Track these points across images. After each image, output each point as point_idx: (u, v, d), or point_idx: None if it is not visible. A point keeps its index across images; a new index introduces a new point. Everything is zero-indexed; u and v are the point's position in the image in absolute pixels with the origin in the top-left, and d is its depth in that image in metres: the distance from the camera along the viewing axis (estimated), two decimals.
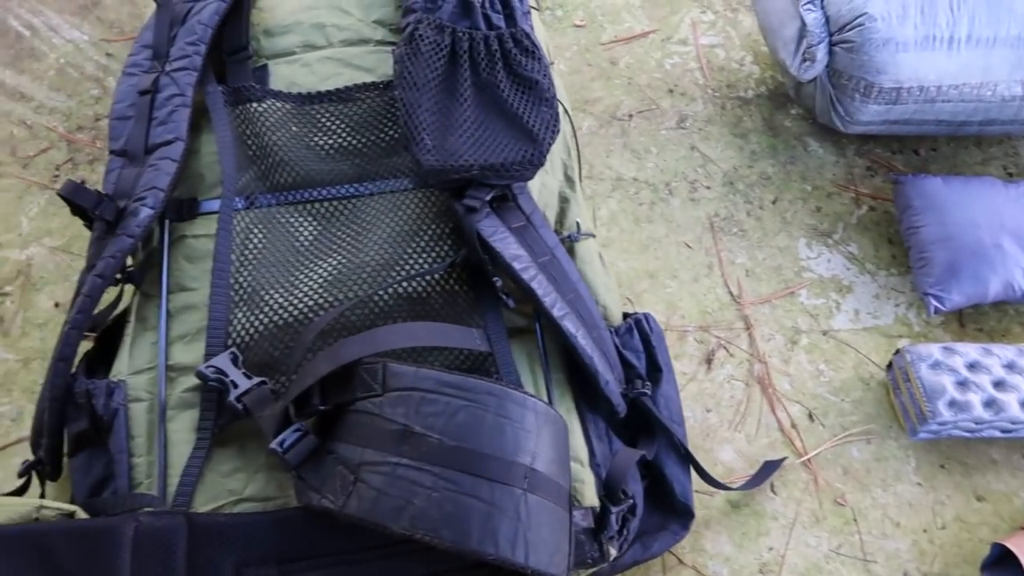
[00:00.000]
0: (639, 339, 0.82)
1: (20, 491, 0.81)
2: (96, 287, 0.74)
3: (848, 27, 0.94)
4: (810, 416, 0.91)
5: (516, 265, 0.75)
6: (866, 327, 0.97)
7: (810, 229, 1.04)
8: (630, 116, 1.14)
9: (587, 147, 1.10)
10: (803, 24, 0.97)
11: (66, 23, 1.24)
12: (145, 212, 0.77)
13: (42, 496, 0.79)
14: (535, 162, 0.78)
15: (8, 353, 0.93)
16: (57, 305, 0.97)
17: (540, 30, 1.00)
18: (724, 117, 1.14)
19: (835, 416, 0.91)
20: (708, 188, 1.07)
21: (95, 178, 1.08)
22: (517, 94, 0.83)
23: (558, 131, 0.81)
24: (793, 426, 0.90)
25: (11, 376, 0.92)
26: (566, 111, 0.97)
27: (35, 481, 0.80)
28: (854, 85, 0.97)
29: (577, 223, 0.88)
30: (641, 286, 0.99)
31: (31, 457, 0.79)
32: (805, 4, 0.97)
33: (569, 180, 0.92)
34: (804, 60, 0.98)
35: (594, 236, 0.88)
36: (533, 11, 0.95)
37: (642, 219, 1.04)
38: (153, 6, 0.97)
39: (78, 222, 1.02)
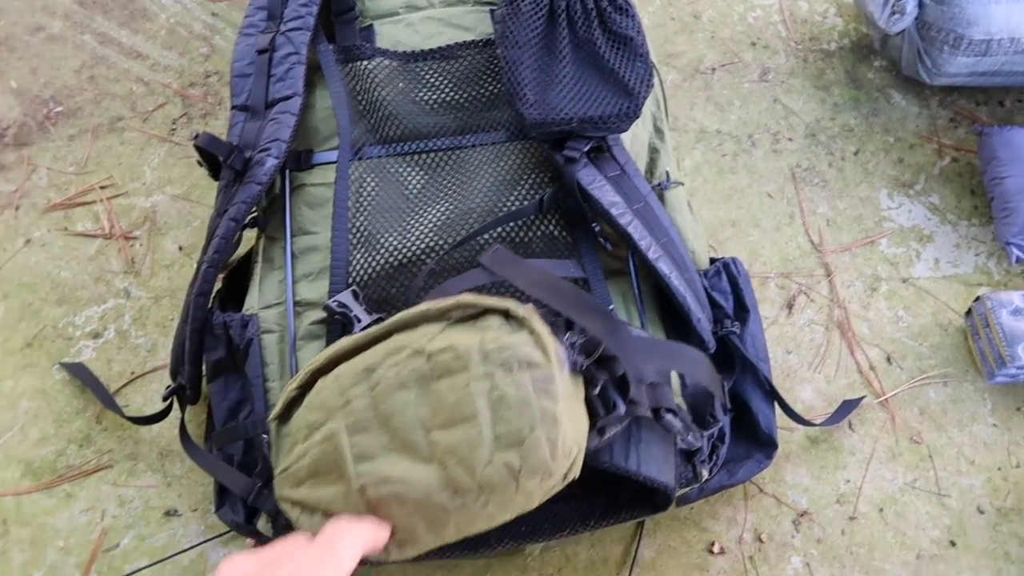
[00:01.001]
0: (727, 281, 0.87)
1: (163, 414, 0.91)
2: (231, 230, 0.82)
3: None
4: (888, 359, 0.95)
5: (613, 211, 0.80)
6: (946, 275, 1.00)
7: (892, 180, 1.07)
8: (713, 70, 1.17)
9: (671, 100, 1.13)
10: None
11: None
12: (271, 162, 0.84)
13: (182, 418, 0.88)
14: (631, 114, 0.83)
15: (140, 291, 1.03)
16: (181, 248, 1.06)
17: None
18: (807, 70, 1.16)
19: (913, 359, 0.95)
20: (790, 140, 1.10)
21: (208, 131, 1.16)
22: (612, 50, 0.87)
23: (652, 85, 0.85)
24: (871, 368, 0.94)
25: (144, 312, 1.02)
26: (653, 65, 1.00)
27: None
28: (943, 37, 0.98)
29: (667, 172, 0.93)
30: (724, 234, 1.03)
31: (167, 383, 0.88)
32: None
33: (659, 131, 0.96)
34: (893, 13, 1.00)
35: (682, 184, 0.93)
36: None
37: (725, 170, 1.08)
38: None
39: (196, 172, 1.12)
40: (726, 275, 0.88)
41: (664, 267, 0.79)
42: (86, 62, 1.22)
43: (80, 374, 0.96)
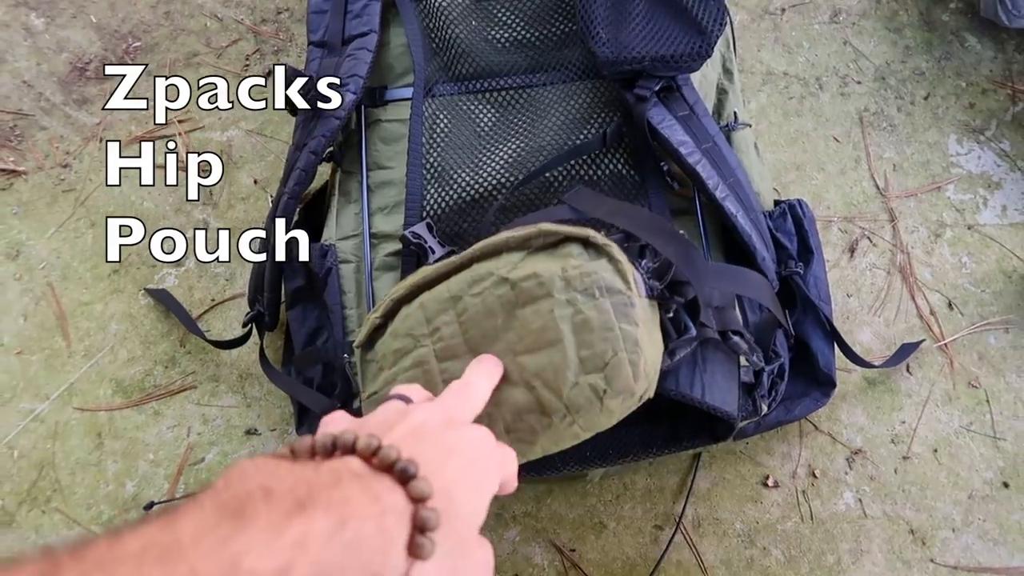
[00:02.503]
0: (792, 223, 0.88)
1: (243, 339, 0.96)
2: (311, 162, 0.86)
3: None
4: (949, 305, 0.95)
5: (682, 150, 0.81)
6: (1013, 223, 0.99)
7: (962, 125, 1.06)
8: (783, 10, 1.15)
9: (739, 41, 1.13)
10: None
11: None
12: (349, 96, 0.86)
13: (261, 343, 0.93)
14: (703, 53, 0.83)
15: (218, 222, 1.07)
16: (256, 182, 1.10)
17: None
18: (879, 11, 1.14)
19: (974, 305, 0.95)
20: (859, 83, 1.09)
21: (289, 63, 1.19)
22: None
23: (725, 23, 0.85)
24: (932, 313, 0.95)
25: (222, 242, 1.06)
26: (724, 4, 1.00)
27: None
28: None
29: (735, 113, 0.94)
30: (788, 177, 1.04)
31: (246, 311, 0.93)
32: None
33: (727, 72, 0.97)
34: None
35: (750, 126, 0.94)
36: None
37: (791, 113, 1.08)
38: None
39: (269, 108, 1.15)
40: (791, 217, 0.89)
41: (731, 206, 0.81)
42: None
43: (164, 300, 1.01)
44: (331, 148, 0.92)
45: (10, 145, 1.14)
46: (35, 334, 1.02)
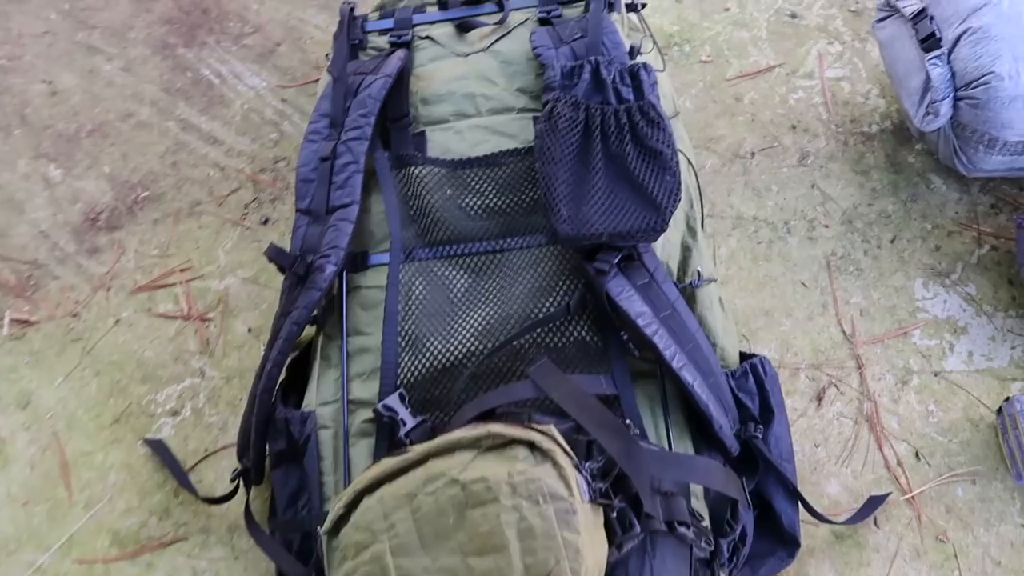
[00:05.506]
0: (753, 383, 0.91)
1: (231, 494, 1.00)
2: (293, 333, 0.91)
3: (974, 84, 0.97)
4: (916, 455, 0.97)
5: (640, 322, 0.85)
6: (979, 369, 1.02)
7: (928, 269, 1.09)
8: (752, 154, 1.20)
9: (709, 185, 1.18)
10: (928, 78, 1.00)
11: (248, 71, 1.42)
12: (330, 269, 0.92)
13: (247, 502, 0.97)
14: (658, 228, 0.88)
15: (214, 371, 1.13)
16: (250, 330, 1.16)
17: (665, 82, 1.09)
18: (846, 153, 1.19)
19: (942, 456, 0.97)
20: (826, 227, 1.13)
21: (275, 215, 1.26)
22: (643, 164, 0.92)
23: (679, 199, 0.89)
24: (899, 464, 0.97)
25: (216, 391, 1.12)
26: (689, 161, 1.05)
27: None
28: (978, 138, 1.00)
29: (698, 271, 0.98)
30: (757, 323, 1.07)
31: (236, 462, 0.98)
32: (931, 59, 1.00)
33: (691, 230, 1.01)
34: (927, 113, 1.02)
35: (715, 280, 0.98)
36: (656, 72, 1.01)
37: (760, 258, 1.12)
38: (324, 70, 1.13)
39: (264, 257, 1.21)
40: (753, 376, 0.92)
41: (688, 375, 0.84)
42: (169, 148, 1.34)
43: (160, 451, 1.06)
44: (315, 313, 0.97)
45: (25, 295, 1.22)
46: (40, 484, 1.07)
